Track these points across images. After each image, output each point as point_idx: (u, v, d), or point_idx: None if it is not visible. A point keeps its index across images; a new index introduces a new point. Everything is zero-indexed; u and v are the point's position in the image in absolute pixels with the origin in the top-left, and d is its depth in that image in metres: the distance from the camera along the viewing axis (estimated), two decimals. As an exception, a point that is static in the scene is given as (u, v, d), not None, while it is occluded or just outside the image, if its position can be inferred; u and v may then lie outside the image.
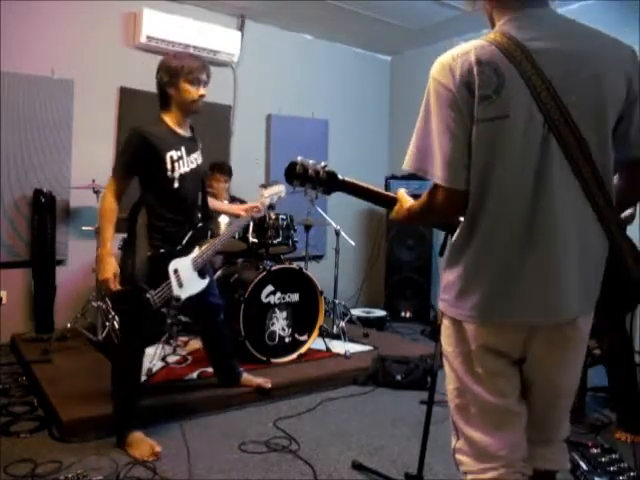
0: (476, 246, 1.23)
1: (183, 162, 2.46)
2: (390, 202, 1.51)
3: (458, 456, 1.36)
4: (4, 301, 3.93)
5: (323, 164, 1.55)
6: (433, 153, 1.22)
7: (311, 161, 1.54)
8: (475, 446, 1.31)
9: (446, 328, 1.35)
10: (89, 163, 4.11)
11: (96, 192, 3.70)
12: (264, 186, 3.18)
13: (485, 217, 1.21)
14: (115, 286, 2.34)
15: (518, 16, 1.22)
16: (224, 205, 3.33)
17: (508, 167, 1.18)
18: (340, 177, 1.54)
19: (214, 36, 4.57)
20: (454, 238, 1.31)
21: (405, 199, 1.45)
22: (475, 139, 1.18)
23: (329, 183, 1.54)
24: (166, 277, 2.46)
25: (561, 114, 1.16)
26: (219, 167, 4.19)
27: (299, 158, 1.54)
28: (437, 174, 1.21)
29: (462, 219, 1.27)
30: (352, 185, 1.55)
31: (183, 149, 2.47)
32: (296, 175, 1.53)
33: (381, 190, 1.57)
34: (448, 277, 1.30)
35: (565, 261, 1.20)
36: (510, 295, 1.21)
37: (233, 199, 4.32)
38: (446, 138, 1.19)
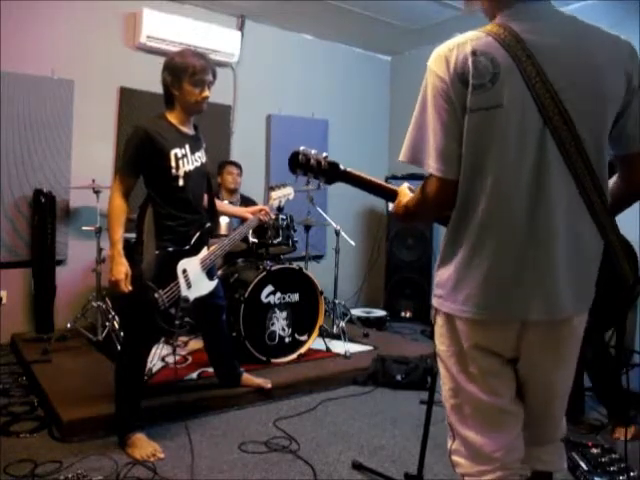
0: (470, 240, 1.22)
1: (187, 160, 2.45)
2: (391, 195, 1.50)
3: (454, 457, 1.34)
4: (4, 301, 3.93)
5: (325, 154, 1.56)
6: (427, 143, 1.22)
7: (313, 151, 1.56)
8: (470, 447, 1.30)
9: (439, 327, 1.34)
10: (89, 163, 4.11)
11: (96, 192, 3.69)
12: (272, 188, 3.18)
13: (478, 210, 1.20)
14: (127, 287, 2.31)
15: (517, 10, 1.22)
16: (230, 207, 3.34)
17: (501, 159, 1.17)
18: (342, 167, 1.55)
19: (214, 36, 4.57)
20: (447, 232, 1.29)
21: (405, 193, 1.43)
22: (467, 129, 1.18)
23: (331, 173, 1.55)
24: (174, 277, 2.44)
25: (555, 106, 1.15)
26: (229, 162, 4.40)
27: (301, 148, 1.57)
28: (431, 164, 1.21)
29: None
30: (353, 176, 1.55)
31: (187, 147, 2.46)
32: (298, 164, 1.55)
33: (382, 182, 1.57)
34: (442, 272, 1.29)
35: (561, 259, 1.19)
36: (504, 292, 1.20)
37: (244, 198, 4.34)
38: (439, 129, 1.19)
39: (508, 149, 1.17)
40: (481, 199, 1.19)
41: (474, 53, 1.16)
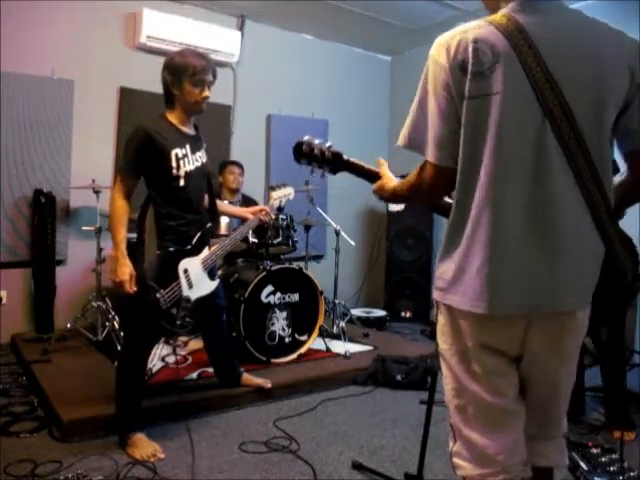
0: (468, 230, 1.21)
1: (188, 160, 2.45)
2: None
3: (455, 460, 1.33)
4: (4, 301, 3.93)
5: (328, 144, 1.56)
6: (426, 130, 1.22)
7: (317, 141, 1.57)
8: (473, 448, 1.29)
9: (441, 325, 1.32)
10: (89, 163, 4.12)
11: (96, 192, 3.69)
12: (272, 188, 3.19)
13: (476, 199, 1.19)
14: (132, 288, 2.31)
15: (522, 2, 1.21)
16: (230, 207, 3.34)
17: (498, 148, 1.16)
18: (345, 157, 1.56)
19: (214, 36, 4.57)
20: (448, 223, 1.29)
21: (388, 176, 1.48)
22: (465, 116, 1.18)
23: (334, 162, 1.56)
24: (176, 277, 2.44)
25: (555, 97, 1.15)
26: (231, 162, 4.39)
27: (305, 137, 1.57)
28: (427, 151, 1.22)
29: (450, 200, 1.27)
30: (357, 166, 1.56)
31: (188, 147, 2.46)
32: (302, 154, 1.56)
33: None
34: (443, 263, 1.28)
35: (561, 251, 1.18)
36: (504, 283, 1.18)
37: (245, 198, 4.34)
38: (437, 116, 1.20)
39: (505, 138, 1.16)
40: (478, 187, 1.19)
41: (475, 41, 1.16)
